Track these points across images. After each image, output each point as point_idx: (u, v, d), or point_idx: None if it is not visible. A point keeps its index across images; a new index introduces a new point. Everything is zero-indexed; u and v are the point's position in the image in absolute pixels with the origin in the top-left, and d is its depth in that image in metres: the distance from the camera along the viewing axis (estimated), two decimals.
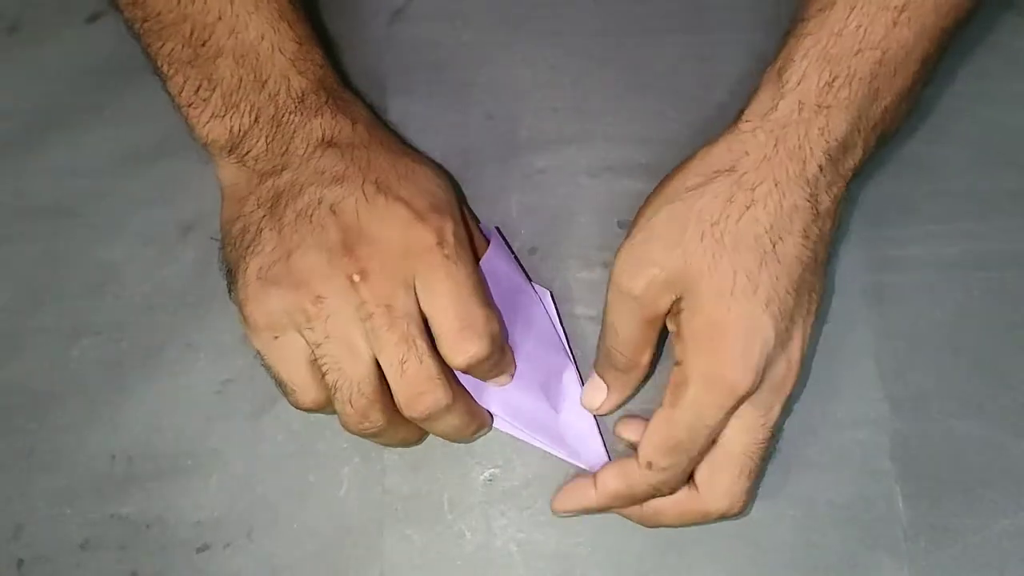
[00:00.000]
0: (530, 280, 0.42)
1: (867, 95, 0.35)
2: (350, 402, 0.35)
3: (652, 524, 0.38)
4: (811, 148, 0.35)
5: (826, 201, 0.35)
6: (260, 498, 0.40)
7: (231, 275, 0.37)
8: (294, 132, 0.37)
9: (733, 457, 0.36)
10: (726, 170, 0.35)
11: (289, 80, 0.37)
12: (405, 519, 0.40)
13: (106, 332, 0.42)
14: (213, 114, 0.37)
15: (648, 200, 0.38)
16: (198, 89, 0.37)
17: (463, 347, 0.35)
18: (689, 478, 0.37)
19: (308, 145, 0.37)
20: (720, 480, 0.36)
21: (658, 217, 0.36)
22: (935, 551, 0.39)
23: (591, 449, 0.40)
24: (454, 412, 0.36)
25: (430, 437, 0.41)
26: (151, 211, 0.44)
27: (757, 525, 0.40)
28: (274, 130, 0.37)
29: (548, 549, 0.40)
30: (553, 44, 0.46)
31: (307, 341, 0.35)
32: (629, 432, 0.39)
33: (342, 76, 0.44)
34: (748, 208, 0.35)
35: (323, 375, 0.36)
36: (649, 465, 0.36)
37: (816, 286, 0.36)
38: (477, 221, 0.43)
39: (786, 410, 0.37)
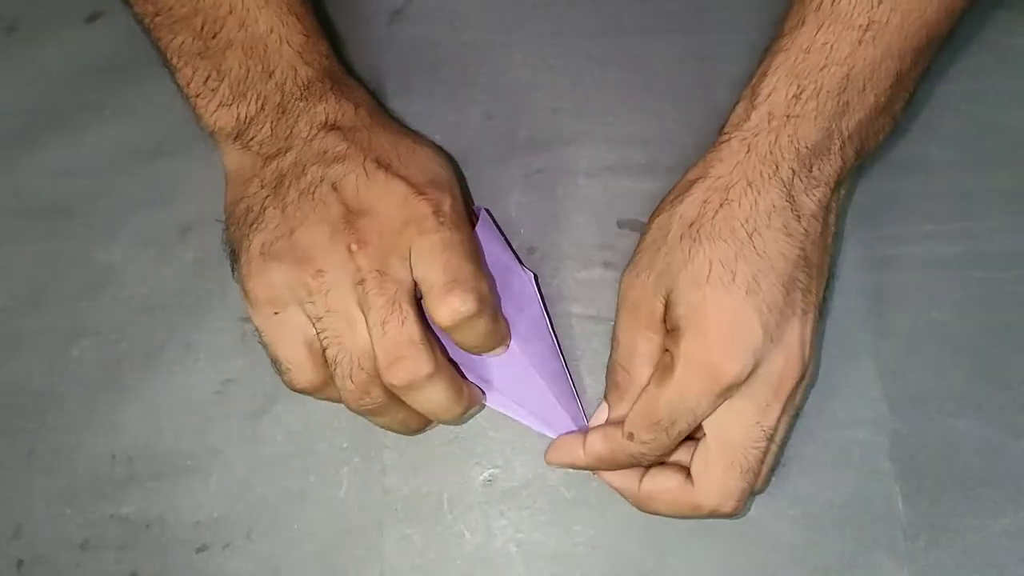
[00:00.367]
0: (520, 261, 0.42)
1: (836, 108, 0.36)
2: (350, 377, 0.36)
3: (645, 508, 0.39)
4: (782, 153, 0.36)
5: (808, 203, 0.36)
6: (260, 498, 0.40)
7: (234, 255, 0.38)
8: (298, 117, 0.38)
9: (727, 453, 0.36)
10: (701, 177, 0.37)
11: (296, 70, 0.38)
12: (405, 519, 0.40)
13: (105, 332, 0.42)
14: (221, 103, 0.38)
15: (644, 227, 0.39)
16: (207, 80, 0.38)
17: (449, 300, 0.35)
18: (687, 471, 0.37)
19: (311, 128, 0.38)
20: (712, 474, 0.36)
21: (648, 233, 0.38)
22: (934, 550, 0.39)
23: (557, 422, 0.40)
24: (436, 384, 0.36)
25: (430, 436, 0.41)
26: (150, 211, 0.44)
27: (757, 525, 0.40)
28: (279, 116, 0.38)
29: (548, 549, 0.40)
30: (553, 44, 0.46)
31: (308, 316, 0.36)
32: (609, 475, 0.40)
33: None
34: (722, 206, 0.36)
35: (324, 351, 0.36)
36: (631, 436, 0.37)
37: (812, 287, 0.36)
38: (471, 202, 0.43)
39: (789, 416, 0.37)
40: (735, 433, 0.36)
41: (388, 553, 0.40)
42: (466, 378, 0.39)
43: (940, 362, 0.42)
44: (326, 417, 0.41)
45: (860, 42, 0.36)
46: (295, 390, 0.37)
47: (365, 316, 0.35)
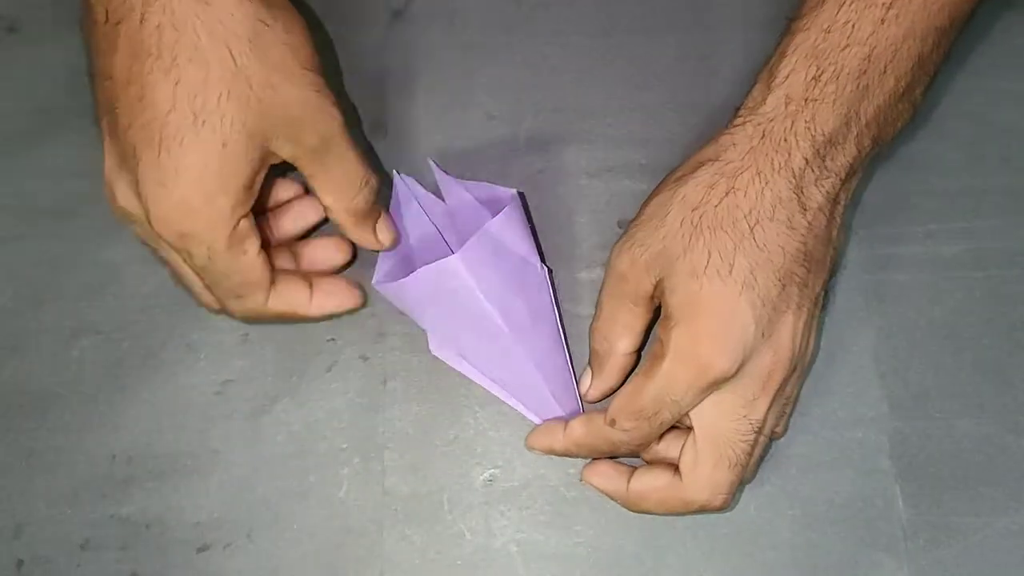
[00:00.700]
0: (541, 254, 0.42)
1: (856, 91, 0.35)
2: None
3: (635, 508, 0.39)
4: (796, 141, 0.35)
5: (816, 196, 0.36)
6: (260, 498, 0.40)
7: None
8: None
9: (715, 447, 0.36)
10: (711, 160, 0.36)
11: None
12: (405, 519, 0.40)
13: (106, 332, 0.42)
14: None
15: (644, 201, 0.39)
16: None
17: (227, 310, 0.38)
18: (675, 468, 0.37)
19: (98, 15, 0.33)
20: (701, 469, 0.36)
21: (647, 206, 0.37)
22: (935, 550, 0.39)
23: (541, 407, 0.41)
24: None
25: (430, 436, 0.41)
26: None
27: (756, 525, 0.40)
28: None
29: (548, 549, 0.40)
30: (553, 44, 0.46)
31: None
32: (596, 479, 0.40)
33: (342, 76, 0.44)
34: (728, 194, 0.35)
35: None
36: (612, 423, 0.37)
37: (809, 281, 0.36)
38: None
39: (778, 410, 0.37)
40: (723, 427, 0.36)
41: (388, 553, 0.40)
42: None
43: (941, 361, 0.42)
44: (326, 417, 0.41)
45: (883, 21, 0.35)
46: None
47: None
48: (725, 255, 0.35)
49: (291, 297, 0.37)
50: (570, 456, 0.40)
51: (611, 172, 0.44)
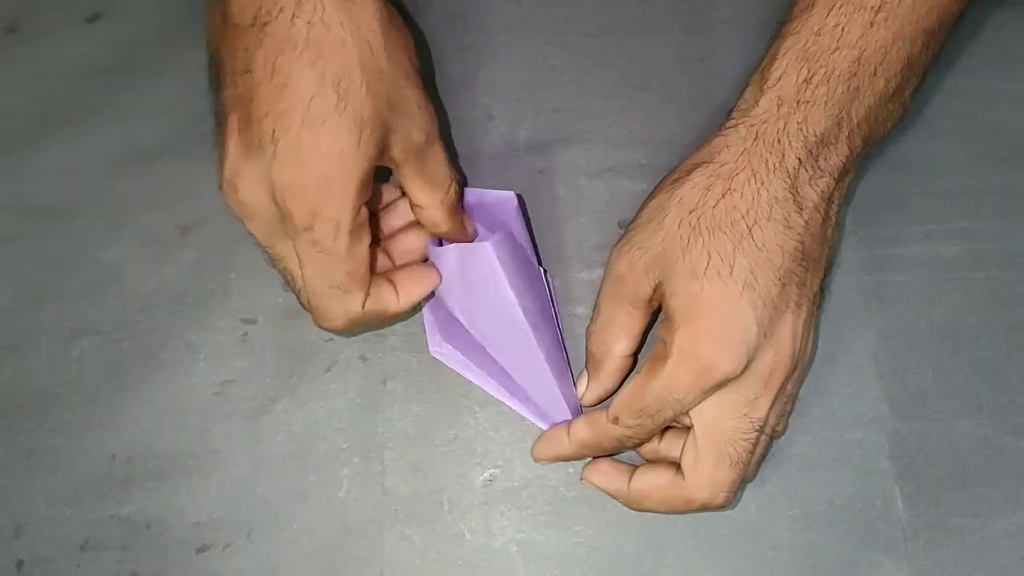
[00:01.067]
0: (537, 253, 0.43)
1: (846, 93, 0.35)
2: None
3: (637, 507, 0.39)
4: (789, 141, 0.35)
5: (811, 195, 0.36)
6: (260, 499, 0.40)
7: None
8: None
9: (716, 446, 0.36)
10: (705, 162, 0.37)
11: None
12: (405, 519, 0.40)
13: (106, 333, 0.42)
14: None
15: (641, 203, 0.39)
16: None
17: (316, 320, 0.37)
18: (676, 467, 0.37)
19: (243, 20, 0.34)
20: (703, 468, 0.36)
21: (644, 209, 0.38)
22: (934, 550, 0.40)
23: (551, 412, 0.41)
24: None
25: (430, 436, 0.41)
26: (151, 212, 0.44)
27: (756, 525, 0.40)
28: None
29: (548, 549, 0.40)
30: (553, 44, 0.46)
31: None
32: (597, 478, 0.40)
33: None
34: (724, 195, 0.35)
35: None
36: (616, 420, 0.37)
37: (807, 280, 0.36)
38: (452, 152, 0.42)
39: (780, 408, 0.37)
40: (724, 426, 0.36)
41: (388, 553, 0.40)
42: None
43: (940, 362, 0.42)
44: (326, 417, 0.41)
45: (872, 24, 0.35)
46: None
47: None
48: (725, 256, 0.35)
49: (381, 296, 0.38)
50: (578, 459, 0.40)
51: (611, 172, 0.44)
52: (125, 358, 0.42)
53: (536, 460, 0.40)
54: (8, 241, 0.44)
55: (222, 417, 0.41)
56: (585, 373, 0.40)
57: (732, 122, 0.37)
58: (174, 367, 0.42)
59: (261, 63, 0.33)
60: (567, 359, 0.41)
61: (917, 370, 0.42)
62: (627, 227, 0.38)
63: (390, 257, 0.40)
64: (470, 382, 0.42)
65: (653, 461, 0.39)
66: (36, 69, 0.46)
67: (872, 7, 0.35)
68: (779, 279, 0.35)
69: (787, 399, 0.38)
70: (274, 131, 0.33)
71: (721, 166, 0.36)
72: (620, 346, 0.39)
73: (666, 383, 0.35)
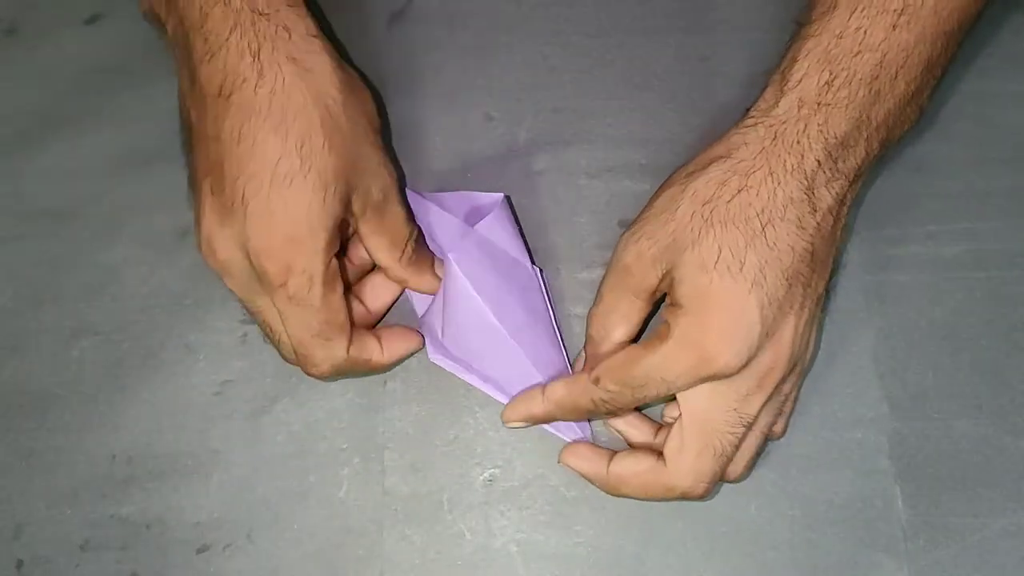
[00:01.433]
0: (530, 253, 0.42)
1: (867, 96, 0.35)
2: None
3: (615, 492, 0.39)
4: (809, 143, 0.35)
5: (826, 197, 0.36)
6: (260, 499, 0.40)
7: None
8: (199, 62, 0.36)
9: (702, 435, 0.36)
10: (723, 157, 0.36)
11: None
12: (405, 519, 0.40)
13: (106, 333, 0.42)
14: None
15: (654, 194, 0.39)
16: None
17: (305, 370, 0.38)
18: (658, 454, 0.37)
19: (209, 90, 0.36)
20: (686, 456, 0.36)
21: (656, 200, 0.37)
22: (934, 550, 0.39)
23: (570, 427, 0.41)
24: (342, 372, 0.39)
25: (430, 436, 0.41)
26: (150, 213, 0.44)
27: (756, 525, 0.40)
28: (183, 40, 0.37)
29: (548, 549, 0.40)
30: (553, 44, 0.46)
31: None
32: (574, 460, 0.40)
33: None
34: (740, 191, 0.35)
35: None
36: (597, 380, 0.37)
37: (813, 281, 0.36)
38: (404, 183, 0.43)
39: (774, 408, 0.37)
40: (713, 417, 0.36)
41: (388, 553, 0.40)
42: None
43: (940, 362, 0.42)
44: (326, 417, 0.41)
45: (895, 27, 0.35)
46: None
47: None
48: (736, 251, 0.35)
49: (365, 346, 0.39)
50: (548, 421, 0.40)
51: (611, 172, 0.44)
52: (125, 358, 0.42)
53: (506, 422, 0.40)
54: (8, 241, 0.44)
55: (222, 417, 0.41)
56: (583, 354, 0.40)
57: (751, 120, 0.37)
58: (174, 367, 0.42)
59: (228, 130, 0.35)
60: (567, 359, 0.41)
61: (917, 370, 0.42)
62: (637, 217, 0.38)
63: (363, 303, 0.41)
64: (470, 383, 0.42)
65: (635, 447, 0.39)
66: (36, 70, 0.46)
67: (895, 10, 0.35)
68: (786, 279, 0.35)
69: (784, 399, 0.38)
70: (244, 194, 0.35)
71: (738, 162, 0.36)
72: (619, 332, 0.38)
73: (660, 361, 0.35)
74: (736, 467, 0.38)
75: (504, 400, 0.41)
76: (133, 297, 0.43)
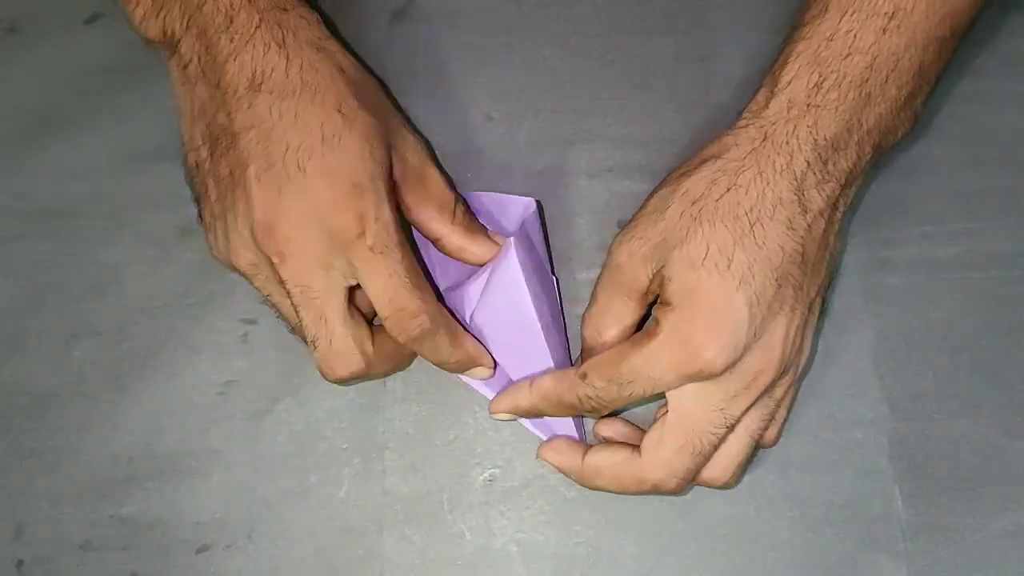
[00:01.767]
0: (551, 260, 0.43)
1: (858, 99, 0.35)
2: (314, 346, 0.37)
3: (589, 484, 0.39)
4: (799, 144, 0.35)
5: (817, 200, 0.36)
6: (261, 499, 0.40)
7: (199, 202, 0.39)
8: (225, 62, 0.36)
9: (683, 431, 0.36)
10: (714, 157, 0.37)
11: None
12: (405, 519, 0.40)
13: (107, 333, 0.42)
14: (146, 13, 0.38)
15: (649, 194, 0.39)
16: None
17: (399, 331, 0.37)
18: (633, 448, 0.38)
19: (239, 86, 0.36)
20: (663, 450, 0.36)
21: (650, 201, 0.38)
22: (933, 550, 0.40)
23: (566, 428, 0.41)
24: (373, 375, 0.39)
25: (430, 436, 0.41)
26: (151, 213, 0.44)
27: (756, 525, 0.40)
28: (205, 49, 0.37)
29: (548, 549, 0.40)
30: (553, 44, 0.46)
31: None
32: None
33: None
34: (729, 190, 0.36)
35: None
36: (584, 376, 0.37)
37: (804, 284, 0.36)
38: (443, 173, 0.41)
39: (763, 412, 0.37)
40: (697, 415, 0.36)
41: (388, 553, 0.40)
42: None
43: (939, 362, 0.42)
44: (327, 417, 0.41)
45: (884, 30, 0.35)
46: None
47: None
48: (724, 249, 0.35)
49: (448, 319, 0.39)
50: (534, 414, 0.40)
51: (611, 172, 0.44)
52: (126, 358, 0.42)
53: (493, 413, 0.40)
54: (8, 241, 0.44)
55: (223, 417, 0.41)
56: (580, 358, 0.40)
57: (743, 122, 0.37)
58: (175, 367, 0.42)
59: (266, 114, 0.36)
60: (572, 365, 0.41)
61: (917, 370, 0.42)
62: (632, 217, 0.38)
63: None
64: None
65: (609, 442, 0.40)
66: (36, 69, 0.46)
67: (885, 13, 0.35)
68: (776, 279, 0.35)
69: (775, 405, 0.38)
70: (298, 161, 0.35)
71: (728, 162, 0.36)
72: (612, 334, 0.38)
73: (647, 357, 0.35)
74: (725, 472, 0.37)
75: None
76: (134, 297, 0.43)
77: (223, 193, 0.37)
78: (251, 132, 0.36)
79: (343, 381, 0.38)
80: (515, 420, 0.41)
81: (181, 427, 0.41)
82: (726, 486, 0.38)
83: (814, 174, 0.35)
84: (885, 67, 0.35)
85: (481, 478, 0.41)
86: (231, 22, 0.36)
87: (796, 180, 0.35)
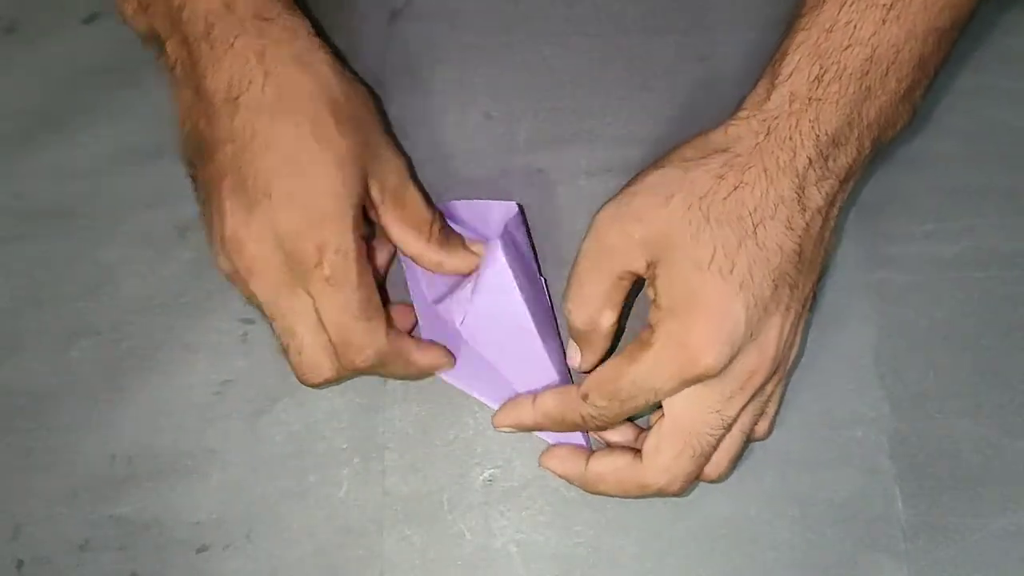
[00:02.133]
0: (537, 262, 0.43)
1: (858, 92, 0.35)
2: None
3: (592, 490, 0.39)
4: (801, 139, 0.35)
5: (816, 197, 0.36)
6: (259, 499, 0.40)
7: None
8: (205, 70, 0.36)
9: (681, 435, 0.36)
10: (721, 150, 0.36)
11: None
12: (405, 519, 0.40)
13: (105, 333, 0.42)
14: (134, 11, 0.38)
15: (643, 170, 0.38)
16: None
17: (345, 361, 0.37)
18: (635, 452, 0.37)
19: (217, 96, 0.36)
20: (663, 456, 0.36)
21: (650, 177, 0.37)
22: (934, 550, 0.40)
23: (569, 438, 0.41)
24: (347, 378, 0.39)
25: (430, 436, 0.41)
26: (149, 212, 0.44)
27: (756, 524, 0.40)
28: (186, 54, 0.37)
29: (548, 549, 0.40)
30: (553, 44, 0.46)
31: None
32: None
33: None
34: (736, 188, 0.35)
35: None
36: (585, 397, 0.37)
37: (799, 283, 0.36)
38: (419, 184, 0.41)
39: (755, 409, 0.37)
40: (694, 418, 0.36)
41: (388, 553, 0.40)
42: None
43: (940, 361, 0.42)
44: (326, 417, 0.41)
45: (884, 21, 0.35)
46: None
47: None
48: (728, 252, 0.35)
49: (403, 341, 0.39)
50: (538, 429, 0.40)
51: (611, 172, 0.44)
52: (124, 358, 0.42)
53: (496, 427, 0.40)
54: (7, 241, 0.44)
55: (221, 417, 0.41)
56: (573, 343, 0.40)
57: (744, 113, 0.36)
58: (173, 367, 0.42)
59: (241, 130, 0.36)
60: (569, 372, 0.41)
61: (918, 370, 0.42)
62: (623, 190, 0.37)
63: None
64: None
65: (611, 448, 0.40)
66: (34, 69, 0.46)
67: (884, 4, 0.35)
68: (773, 280, 0.35)
69: (766, 400, 0.38)
70: (268, 183, 0.36)
71: (735, 156, 0.36)
72: (607, 318, 0.38)
73: (646, 370, 0.35)
74: (717, 467, 0.37)
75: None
76: (132, 297, 0.43)
77: (208, 198, 0.37)
78: (227, 147, 0.36)
79: (319, 386, 0.38)
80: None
81: (180, 427, 0.41)
82: (719, 480, 0.38)
83: (815, 171, 0.35)
84: (885, 59, 0.35)
85: (481, 478, 0.41)
86: (210, 30, 0.36)
87: (798, 178, 0.35)
